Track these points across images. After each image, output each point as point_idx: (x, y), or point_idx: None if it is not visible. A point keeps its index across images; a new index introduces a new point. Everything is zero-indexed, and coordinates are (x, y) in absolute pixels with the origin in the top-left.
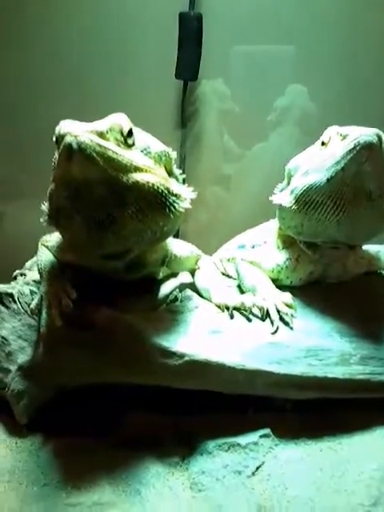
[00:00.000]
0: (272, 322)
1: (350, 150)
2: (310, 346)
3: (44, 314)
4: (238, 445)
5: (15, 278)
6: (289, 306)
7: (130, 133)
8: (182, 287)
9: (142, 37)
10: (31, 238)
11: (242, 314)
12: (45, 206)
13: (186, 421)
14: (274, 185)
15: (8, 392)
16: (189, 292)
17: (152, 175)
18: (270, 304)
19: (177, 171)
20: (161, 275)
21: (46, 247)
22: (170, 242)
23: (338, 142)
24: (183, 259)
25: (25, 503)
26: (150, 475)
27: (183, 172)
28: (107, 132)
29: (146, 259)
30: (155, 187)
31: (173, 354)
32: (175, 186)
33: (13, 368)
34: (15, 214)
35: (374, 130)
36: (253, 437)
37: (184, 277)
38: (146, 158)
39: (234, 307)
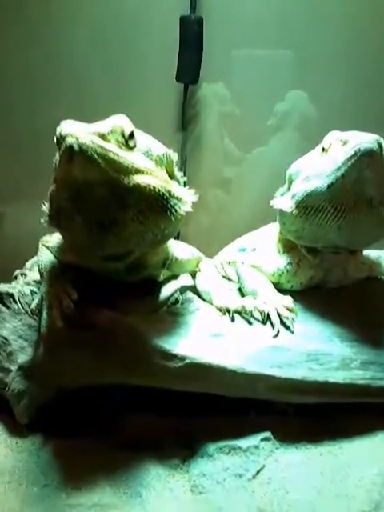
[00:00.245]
0: (273, 326)
1: (350, 157)
2: (311, 350)
3: (45, 315)
4: (239, 448)
5: (16, 277)
6: (290, 310)
7: (132, 135)
8: (183, 289)
9: (143, 40)
10: (32, 239)
11: (242, 317)
12: (45, 207)
13: (187, 423)
14: (275, 188)
15: (8, 392)
16: (190, 294)
17: (153, 177)
18: (271, 307)
19: (178, 174)
20: (162, 277)
21: (47, 248)
22: (171, 245)
23: (339, 148)
24: (184, 261)
25: (25, 504)
26: (151, 477)
27: (184, 175)
28: (109, 134)
29: (147, 261)
30: (156, 189)
31: (173, 357)
32: (176, 189)
33: (13, 368)
34: (16, 215)
35: (375, 137)
36: (254, 440)
37: (185, 279)
38: (148, 161)
39: (235, 310)
